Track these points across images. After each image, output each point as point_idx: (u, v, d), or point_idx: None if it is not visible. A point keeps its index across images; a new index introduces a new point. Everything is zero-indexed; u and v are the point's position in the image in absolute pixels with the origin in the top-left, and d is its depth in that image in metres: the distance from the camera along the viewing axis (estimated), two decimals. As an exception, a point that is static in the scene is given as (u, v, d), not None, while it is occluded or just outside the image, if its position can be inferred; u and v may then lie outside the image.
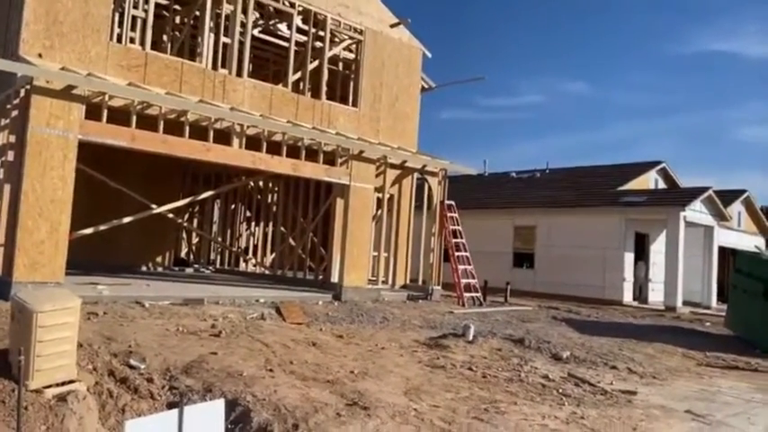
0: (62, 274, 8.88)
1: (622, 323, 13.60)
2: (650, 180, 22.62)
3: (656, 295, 19.52)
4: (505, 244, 21.29)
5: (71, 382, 5.14)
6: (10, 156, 9.33)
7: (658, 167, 22.87)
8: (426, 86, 17.43)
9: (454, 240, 14.99)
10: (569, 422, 5.53)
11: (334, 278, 13.14)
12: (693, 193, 19.07)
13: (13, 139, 9.37)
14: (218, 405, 3.70)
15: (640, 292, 19.82)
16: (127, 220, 12.02)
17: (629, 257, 19.03)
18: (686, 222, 18.36)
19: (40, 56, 9.53)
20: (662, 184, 23.06)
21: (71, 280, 9.53)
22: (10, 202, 9.03)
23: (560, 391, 6.74)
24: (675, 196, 19.49)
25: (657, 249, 20.15)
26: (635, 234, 19.38)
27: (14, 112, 9.39)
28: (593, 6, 68.62)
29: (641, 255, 20.05)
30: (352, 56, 15.03)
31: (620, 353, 9.30)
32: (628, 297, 18.73)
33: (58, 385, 4.99)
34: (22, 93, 9.05)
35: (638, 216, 18.84)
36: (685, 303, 18.36)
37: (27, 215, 8.59)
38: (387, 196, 14.32)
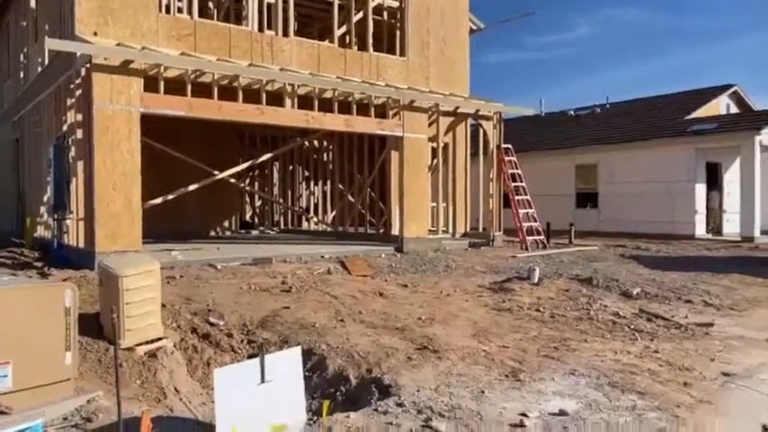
0: (139, 243, 9.38)
1: (696, 256, 13.13)
2: (721, 106, 21.25)
3: (731, 226, 18.63)
4: (567, 185, 20.74)
5: (159, 339, 5.52)
6: (79, 134, 9.81)
7: (729, 91, 21.42)
8: (475, 28, 16.88)
9: (513, 184, 14.75)
10: (643, 356, 5.47)
11: (395, 231, 13.27)
12: (770, 116, 17.81)
13: (80, 117, 9.82)
14: (296, 352, 3.89)
15: (714, 224, 18.99)
16: (192, 187, 12.45)
17: (701, 189, 18.16)
18: (762, 147, 17.24)
19: (95, 34, 9.83)
20: (734, 110, 21.64)
21: (147, 248, 10.04)
22: (85, 178, 9.54)
23: (632, 327, 6.65)
24: (750, 120, 18.25)
25: (731, 179, 19.10)
26: (706, 164, 18.42)
27: (78, 91, 9.81)
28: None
29: (714, 185, 19.09)
30: (396, 3, 14.68)
31: (695, 286, 9.03)
32: (701, 230, 17.98)
33: (147, 343, 5.36)
34: (83, 72, 9.40)
35: (710, 144, 17.84)
36: (764, 233, 17.45)
37: (102, 189, 9.06)
38: (441, 145, 14.15)
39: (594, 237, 17.50)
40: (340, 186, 16.42)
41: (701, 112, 19.98)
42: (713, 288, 8.92)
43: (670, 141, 18.30)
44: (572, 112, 24.83)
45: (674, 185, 17.96)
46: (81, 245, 9.84)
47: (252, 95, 10.68)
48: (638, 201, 18.49)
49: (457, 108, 14.11)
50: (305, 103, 11.42)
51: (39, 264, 9.59)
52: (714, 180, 19.09)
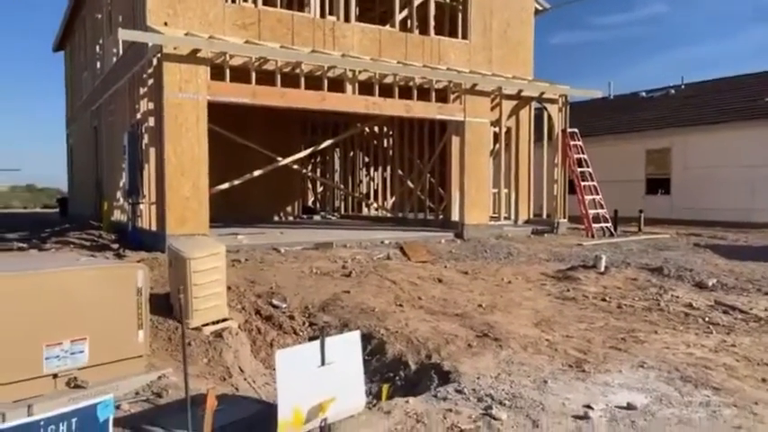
0: (207, 227, 9.71)
1: (778, 247, 12.31)
2: (809, 85, 19.71)
3: (818, 215, 17.36)
4: (637, 170, 19.87)
5: (224, 320, 5.70)
6: (151, 121, 10.21)
7: (819, 69, 19.84)
8: (540, 8, 16.32)
9: (579, 170, 14.26)
10: (718, 350, 5.18)
11: (455, 217, 13.13)
12: None
13: (152, 105, 10.23)
14: (355, 336, 3.91)
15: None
16: (257, 173, 12.75)
17: (785, 175, 16.99)
18: None
19: (165, 24, 10.16)
20: (825, 89, 20.01)
21: (214, 232, 10.38)
22: (156, 164, 9.94)
23: (706, 319, 6.32)
24: (843, 100, 16.87)
25: (820, 163, 17.75)
26: (791, 148, 17.18)
27: (150, 81, 10.20)
28: None
29: (799, 171, 17.81)
30: (458, -15, 14.39)
31: (777, 278, 8.46)
32: (783, 219, 16.86)
33: (213, 323, 5.55)
34: (155, 61, 9.76)
35: (795, 127, 16.61)
36: None
37: (172, 175, 9.41)
38: (504, 129, 13.85)
39: (666, 225, 16.71)
40: (400, 172, 16.39)
41: (787, 92, 18.57)
42: (798, 280, 8.33)
43: (750, 124, 17.15)
44: (643, 94, 23.69)
45: (754, 171, 16.86)
46: (153, 228, 10.29)
47: (314, 82, 10.78)
48: (714, 187, 17.50)
49: (520, 91, 13.75)
50: (365, 88, 11.43)
51: (115, 246, 10.11)
52: (800, 165, 17.78)
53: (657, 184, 19.55)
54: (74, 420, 2.49)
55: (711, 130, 17.95)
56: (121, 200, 12.64)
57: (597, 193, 14.33)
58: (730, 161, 17.29)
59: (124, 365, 4.12)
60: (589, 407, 3.82)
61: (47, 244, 10.59)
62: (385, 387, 4.56)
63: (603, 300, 7.23)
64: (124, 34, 9.62)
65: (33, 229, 13.94)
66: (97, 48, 15.65)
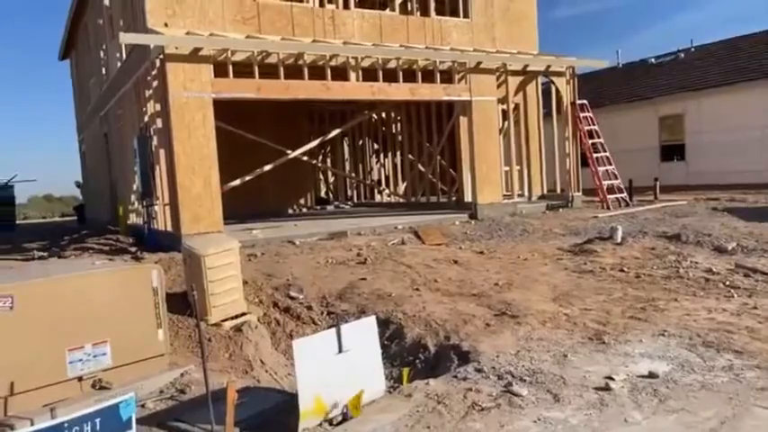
0: (221, 224, 9.77)
1: (799, 206, 12.09)
2: (825, 39, 19.20)
3: (840, 172, 16.98)
4: (650, 138, 19.58)
5: (243, 314, 5.75)
6: (159, 123, 10.27)
7: (835, 21, 19.30)
8: (541, -20, 16.05)
9: (591, 141, 14.09)
10: (740, 314, 5.12)
11: (468, 197, 13.08)
12: None
13: (158, 107, 10.27)
14: (371, 321, 3.92)
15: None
16: (267, 167, 12.79)
17: (803, 132, 16.63)
18: None
19: (165, 25, 10.17)
20: (842, 42, 19.47)
21: (229, 228, 10.45)
22: (167, 165, 10.00)
23: (727, 283, 6.24)
24: None
25: (839, 118, 17.33)
26: (809, 105, 16.79)
27: (155, 82, 10.24)
28: None
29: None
30: (456, -37, 14.19)
31: (798, 238, 8.32)
32: (804, 178, 16.53)
33: (232, 318, 5.61)
34: (158, 63, 9.79)
35: (812, 83, 16.24)
36: None
37: (183, 174, 9.47)
38: (512, 106, 13.72)
39: (683, 191, 16.48)
40: (410, 157, 16.33)
41: (802, 48, 18.14)
42: (820, 238, 8.19)
43: (764, 82, 16.79)
44: (653, 60, 23.26)
45: (771, 130, 16.54)
46: (169, 228, 10.39)
47: (317, 72, 10.75)
48: (731, 150, 17.19)
49: (526, 66, 13.58)
50: (369, 75, 11.36)
51: (133, 249, 10.22)
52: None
53: (672, 151, 19.27)
54: (97, 420, 2.54)
55: (725, 91, 17.61)
56: (136, 203, 12.77)
57: (610, 164, 14.17)
58: (746, 122, 16.96)
59: (147, 365, 4.19)
60: (610, 378, 3.81)
61: (66, 251, 10.75)
62: (405, 370, 4.58)
63: (621, 270, 7.17)
64: (125, 38, 9.65)
65: (52, 238, 14.15)
66: (101, 53, 15.72)
